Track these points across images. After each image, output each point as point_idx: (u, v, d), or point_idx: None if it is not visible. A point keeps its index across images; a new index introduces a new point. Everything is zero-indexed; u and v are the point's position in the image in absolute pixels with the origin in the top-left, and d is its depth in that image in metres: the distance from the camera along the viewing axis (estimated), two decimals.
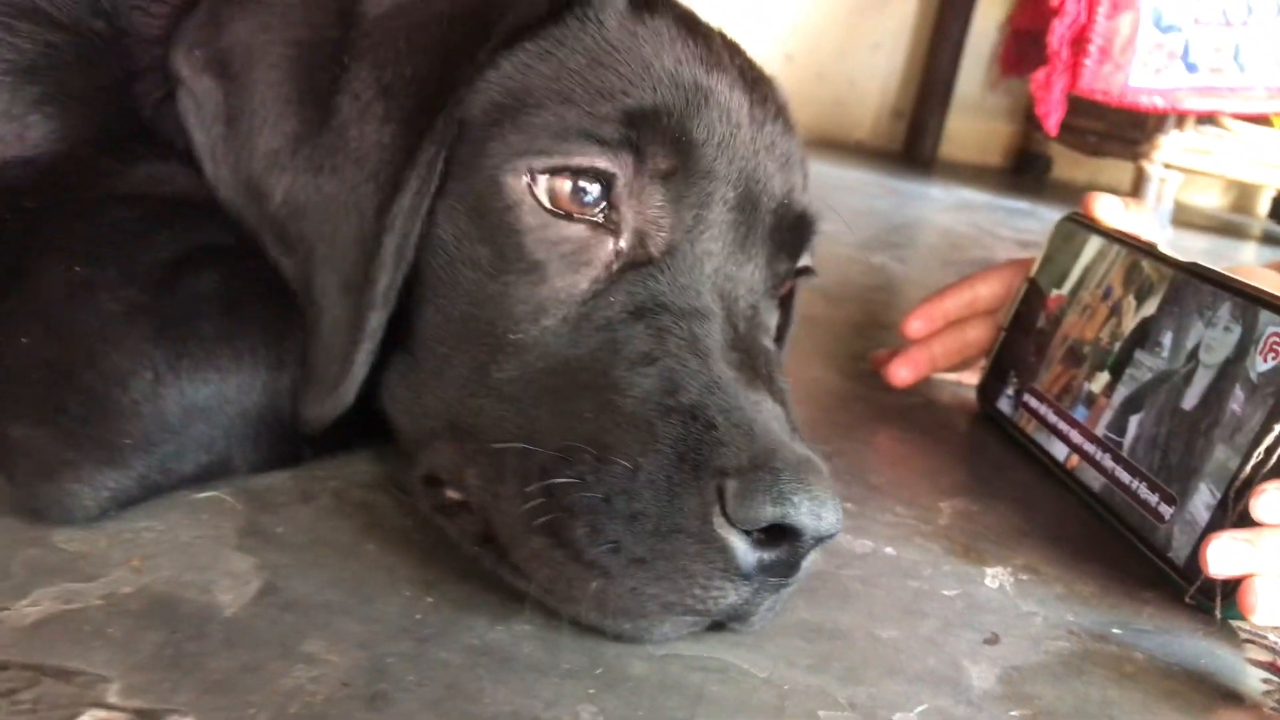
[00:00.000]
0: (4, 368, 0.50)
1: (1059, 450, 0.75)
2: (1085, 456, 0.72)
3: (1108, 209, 0.81)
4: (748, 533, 0.44)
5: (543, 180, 0.53)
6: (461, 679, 0.44)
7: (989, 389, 0.86)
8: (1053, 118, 2.14)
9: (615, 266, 0.54)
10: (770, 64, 2.49)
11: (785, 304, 0.67)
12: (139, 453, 0.50)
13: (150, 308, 0.52)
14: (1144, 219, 0.84)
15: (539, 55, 0.55)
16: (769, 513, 0.44)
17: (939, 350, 0.90)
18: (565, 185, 0.53)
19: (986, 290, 0.90)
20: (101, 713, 0.39)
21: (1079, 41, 2.07)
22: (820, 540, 0.46)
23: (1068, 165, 2.91)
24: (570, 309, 0.53)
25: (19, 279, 0.52)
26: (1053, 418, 0.76)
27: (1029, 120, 2.81)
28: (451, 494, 0.53)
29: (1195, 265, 0.70)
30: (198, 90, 0.58)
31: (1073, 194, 2.63)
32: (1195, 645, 0.58)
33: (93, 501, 0.50)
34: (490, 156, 0.53)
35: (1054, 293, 0.82)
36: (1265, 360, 0.61)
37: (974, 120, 2.95)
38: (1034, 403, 0.79)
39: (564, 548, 0.46)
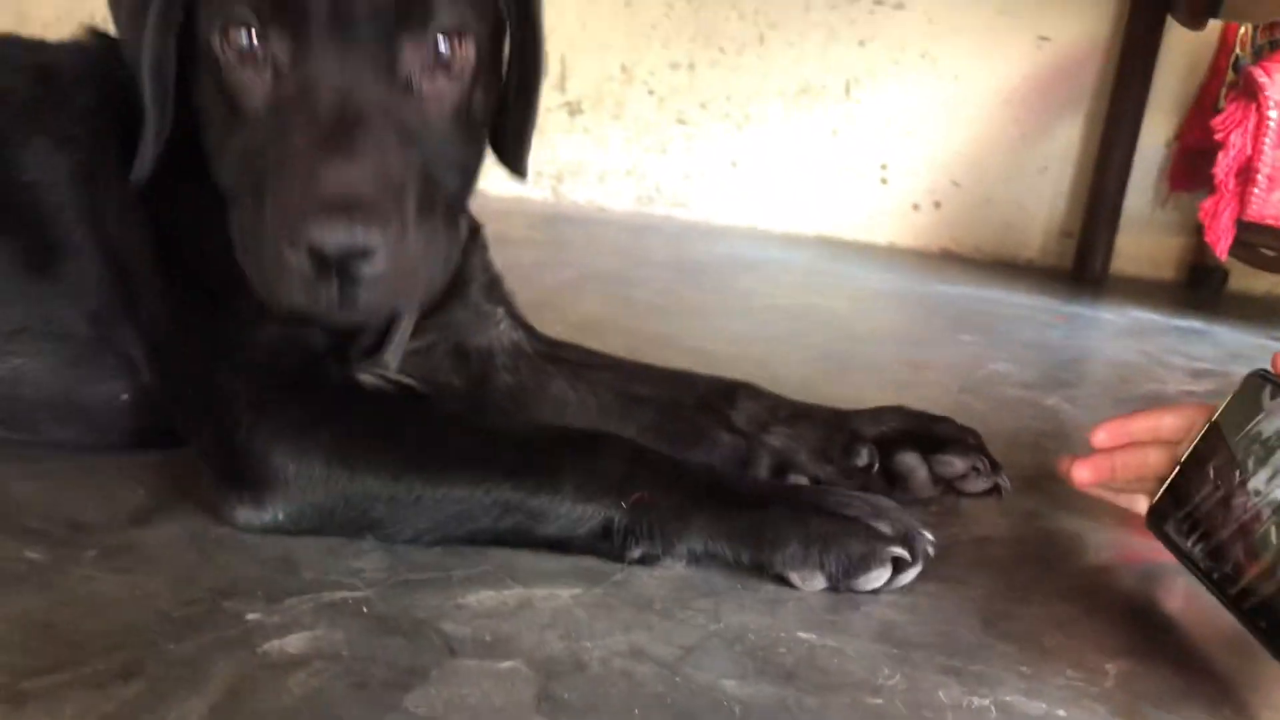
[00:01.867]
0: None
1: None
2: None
3: None
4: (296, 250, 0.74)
5: (221, 36, 0.80)
6: None
7: (1160, 513, 0.93)
8: (1222, 243, 2.19)
9: (269, 86, 0.80)
10: (939, 190, 2.69)
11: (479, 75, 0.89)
12: None
13: None
14: None
15: None
16: (296, 240, 0.73)
17: (1119, 463, 0.99)
18: (234, 35, 0.80)
19: (1171, 421, 0.98)
20: None
21: (1246, 171, 2.12)
22: (346, 254, 0.73)
23: (1245, 276, 2.90)
24: (250, 120, 0.81)
25: None
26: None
27: (1201, 234, 2.83)
28: None
29: None
30: None
31: (1251, 307, 2.63)
32: None
33: None
34: (202, 22, 0.82)
35: (1234, 449, 0.88)
36: None
37: (1144, 236, 2.98)
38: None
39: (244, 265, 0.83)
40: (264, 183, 0.78)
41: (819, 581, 0.84)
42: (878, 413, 1.09)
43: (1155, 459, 0.97)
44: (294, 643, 0.71)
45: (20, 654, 0.66)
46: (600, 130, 3.06)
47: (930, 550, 0.87)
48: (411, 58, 0.82)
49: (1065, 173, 2.98)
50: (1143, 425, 0.99)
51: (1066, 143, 2.96)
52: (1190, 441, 0.94)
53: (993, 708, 0.72)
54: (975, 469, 1.02)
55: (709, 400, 1.09)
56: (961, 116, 2.98)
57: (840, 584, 0.84)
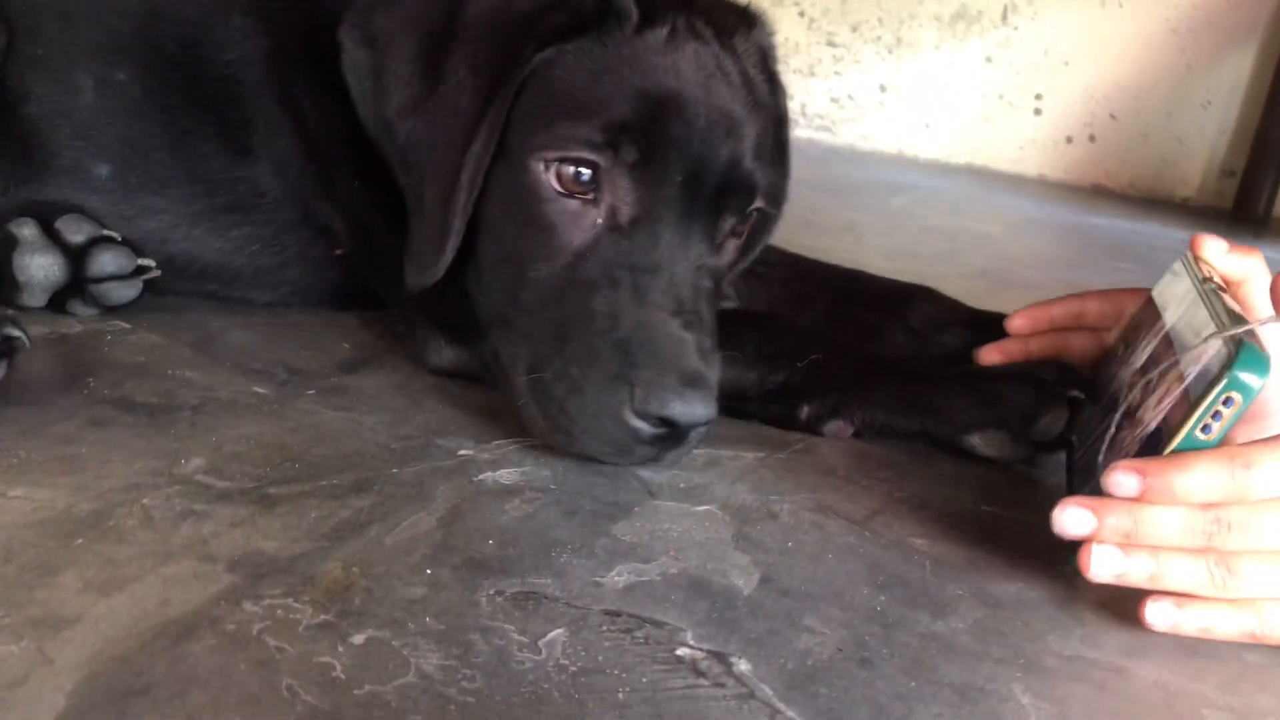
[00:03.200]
0: None
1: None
2: None
3: (1212, 250, 0.82)
4: (647, 418, 0.72)
5: (553, 167, 0.78)
6: (921, 656, 0.60)
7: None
8: None
9: (598, 230, 0.78)
10: (1095, 123, 2.59)
11: (751, 237, 0.92)
12: None
13: None
14: (1252, 262, 0.82)
15: (567, 61, 0.79)
16: (654, 410, 0.71)
17: (1035, 346, 0.95)
18: (569, 170, 0.78)
19: (1096, 307, 0.94)
20: (687, 650, 0.58)
21: None
22: (694, 426, 0.73)
23: None
24: (568, 257, 0.78)
25: None
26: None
27: None
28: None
29: (1216, 295, 0.72)
30: (355, 57, 0.86)
31: None
32: None
33: None
34: (525, 146, 0.79)
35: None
36: (1194, 365, 0.66)
37: None
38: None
39: (542, 411, 0.76)
40: (583, 328, 0.76)
41: (1002, 441, 0.85)
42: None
43: (1077, 344, 0.93)
44: (505, 476, 0.75)
45: (262, 466, 0.72)
46: None
47: None
48: (726, 228, 0.83)
49: (1231, 108, 2.86)
50: (1065, 310, 0.95)
51: (1235, 76, 2.84)
52: (1123, 323, 0.89)
53: None
54: None
55: (884, 301, 1.09)
56: (1123, 47, 2.87)
57: (1022, 435, 0.85)
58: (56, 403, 0.78)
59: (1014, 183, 2.85)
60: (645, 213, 0.78)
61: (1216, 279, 0.77)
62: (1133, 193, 2.92)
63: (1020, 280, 1.67)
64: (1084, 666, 0.62)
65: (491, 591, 0.61)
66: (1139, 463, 0.65)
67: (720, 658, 0.57)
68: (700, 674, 0.56)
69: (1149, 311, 0.83)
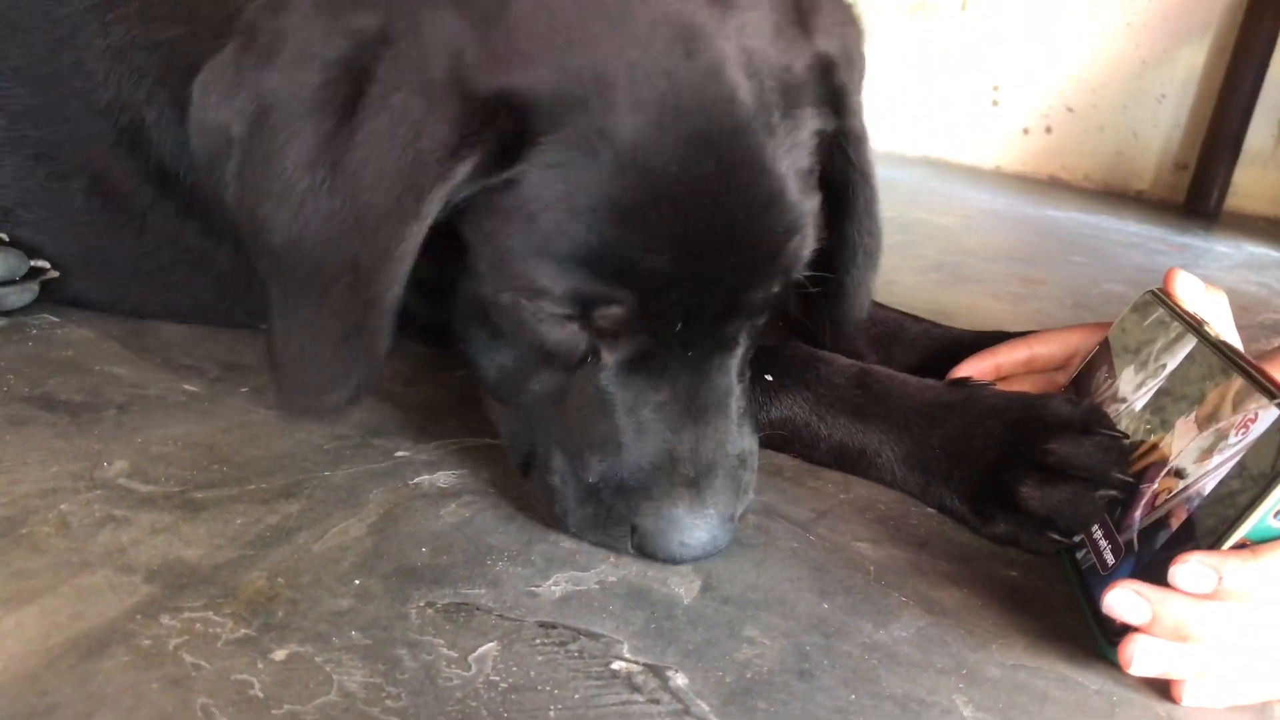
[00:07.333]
0: None
1: None
2: None
3: (1186, 287, 0.80)
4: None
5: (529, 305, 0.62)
6: (862, 666, 0.59)
7: None
8: None
9: (589, 361, 0.65)
10: (1052, 115, 2.59)
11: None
12: None
13: None
14: (1220, 302, 0.81)
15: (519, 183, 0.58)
16: (652, 555, 0.65)
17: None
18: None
19: (1045, 350, 0.90)
20: (623, 664, 0.56)
21: None
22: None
23: None
24: (559, 376, 0.65)
25: None
26: None
27: None
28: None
29: (1227, 346, 0.70)
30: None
31: None
32: None
33: None
34: (489, 281, 0.62)
35: (1115, 360, 0.81)
36: (1240, 434, 0.62)
37: (1265, 172, 2.87)
38: None
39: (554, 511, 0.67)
40: (590, 444, 0.65)
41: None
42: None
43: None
44: (443, 478, 0.73)
45: (189, 469, 0.69)
46: None
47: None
48: (747, 326, 0.69)
49: (1184, 102, 2.88)
50: (1011, 358, 0.90)
51: (1189, 70, 2.85)
52: (1078, 365, 0.86)
53: None
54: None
55: None
56: (1081, 38, 2.88)
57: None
58: None
59: (969, 174, 2.85)
60: (642, 354, 0.64)
61: (1211, 329, 0.73)
62: (1088, 185, 2.94)
63: (974, 274, 1.66)
64: (1027, 676, 0.61)
65: (422, 603, 0.59)
66: (1215, 559, 0.58)
67: (656, 671, 0.56)
68: (635, 689, 0.54)
69: (1106, 352, 0.82)
